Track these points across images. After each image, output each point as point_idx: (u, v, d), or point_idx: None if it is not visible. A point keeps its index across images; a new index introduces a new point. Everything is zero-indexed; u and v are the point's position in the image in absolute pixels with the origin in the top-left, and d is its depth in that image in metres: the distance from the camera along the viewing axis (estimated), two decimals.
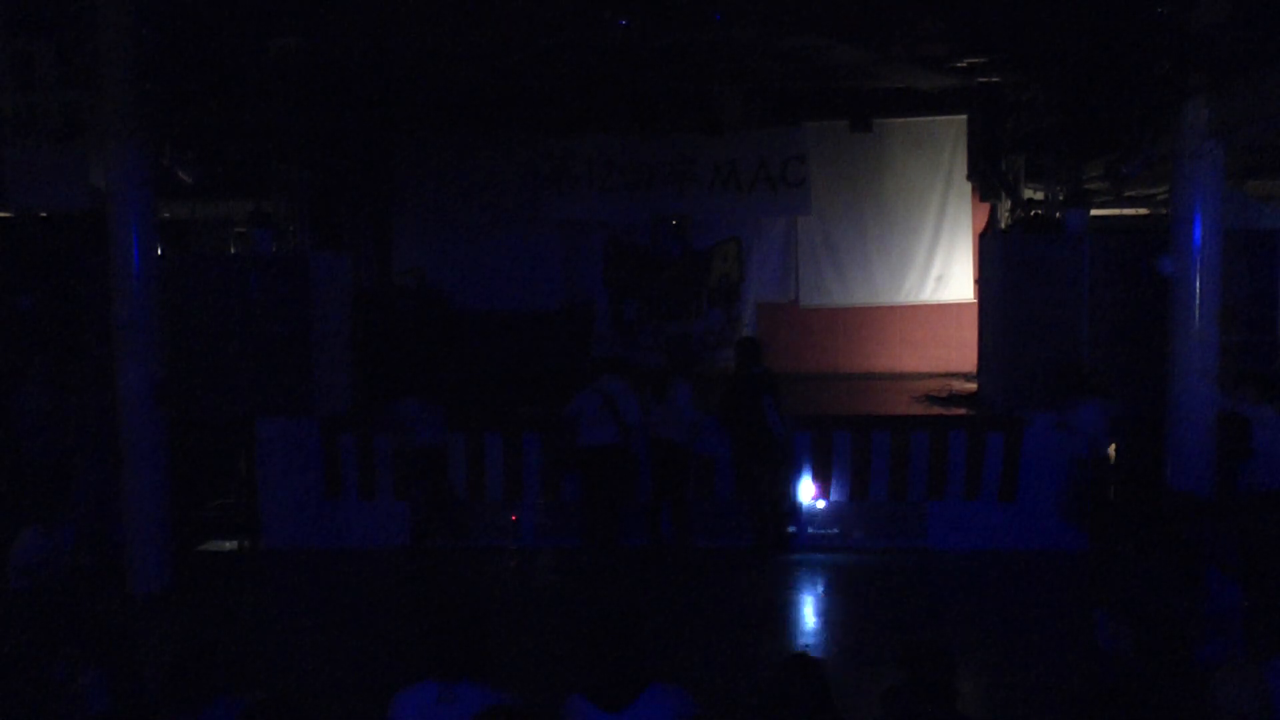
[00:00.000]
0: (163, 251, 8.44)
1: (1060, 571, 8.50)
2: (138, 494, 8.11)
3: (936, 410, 9.90)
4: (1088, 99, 9.38)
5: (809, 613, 8.30)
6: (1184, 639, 4.31)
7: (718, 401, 8.94)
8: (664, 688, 3.61)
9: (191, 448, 9.47)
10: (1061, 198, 10.15)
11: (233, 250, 11.71)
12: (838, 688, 3.56)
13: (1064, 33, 8.69)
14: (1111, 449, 9.83)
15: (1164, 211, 10.01)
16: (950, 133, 12.44)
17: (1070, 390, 8.53)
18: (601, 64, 10.48)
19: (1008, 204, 11.29)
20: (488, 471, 9.39)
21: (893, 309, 12.79)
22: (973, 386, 10.84)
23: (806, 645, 7.21)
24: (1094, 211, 10.25)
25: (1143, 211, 12.46)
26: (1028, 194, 11.17)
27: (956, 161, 12.41)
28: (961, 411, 9.77)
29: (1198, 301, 7.92)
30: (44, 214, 10.47)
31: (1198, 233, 7.87)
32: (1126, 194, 11.21)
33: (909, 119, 12.45)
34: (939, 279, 12.68)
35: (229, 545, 9.79)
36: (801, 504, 9.26)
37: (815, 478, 9.22)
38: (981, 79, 10.72)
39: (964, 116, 12.16)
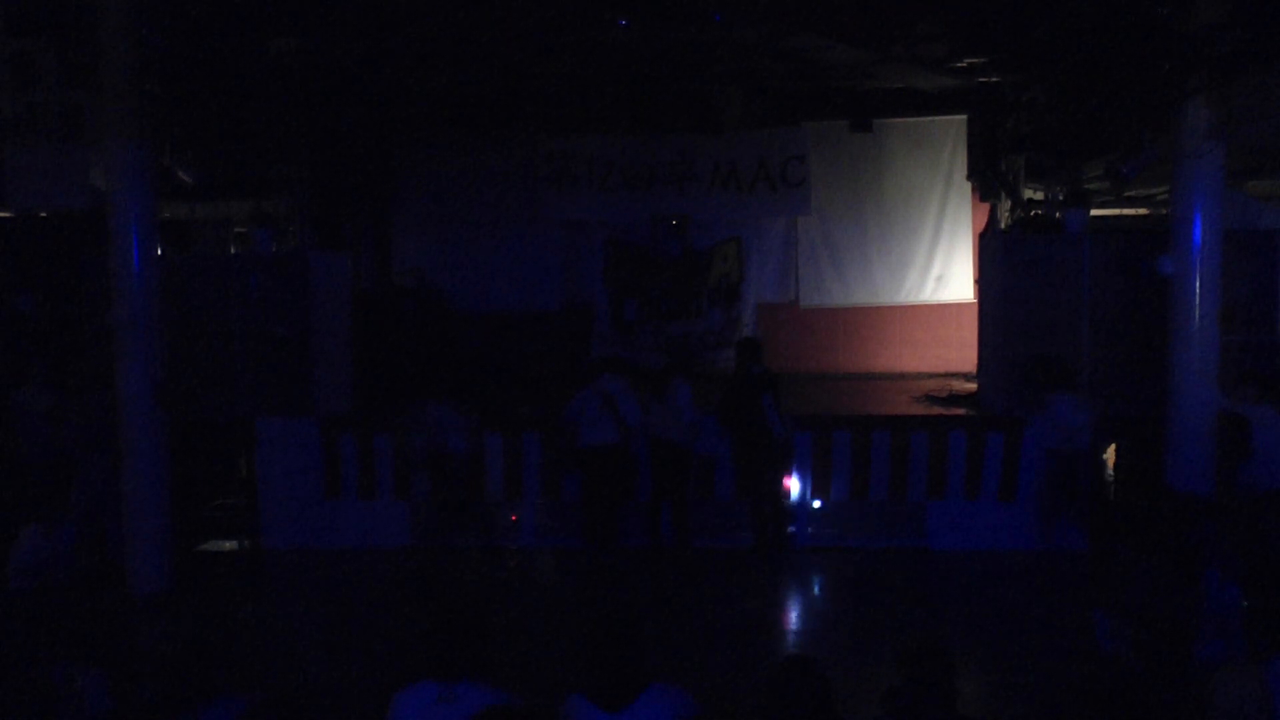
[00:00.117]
0: (163, 251, 8.44)
1: (1060, 571, 8.50)
2: (138, 494, 8.10)
3: (936, 410, 9.90)
4: (1088, 99, 9.38)
5: (809, 613, 8.30)
6: (1184, 639, 4.31)
7: (718, 401, 8.94)
8: (664, 688, 3.61)
9: (191, 448, 9.47)
10: (1061, 198, 10.15)
11: (233, 250, 11.70)
12: (838, 688, 3.56)
13: (1064, 33, 8.69)
14: (1111, 449, 9.84)
15: (1164, 211, 10.01)
16: (950, 133, 12.44)
17: (1046, 384, 8.55)
18: (601, 64, 10.48)
19: (1008, 204, 11.29)
20: (488, 471, 9.39)
21: (893, 309, 12.79)
22: (973, 386, 10.84)
23: (806, 645, 7.21)
24: (1094, 211, 10.25)
25: (1143, 211, 12.46)
26: (1028, 194, 11.17)
27: (956, 161, 12.41)
28: (961, 411, 9.77)
29: (1198, 301, 7.92)
30: (44, 214, 10.47)
31: (1198, 233, 7.87)
32: (1126, 194, 11.22)
33: (909, 119, 12.44)
34: (939, 279, 12.68)
35: (229, 545, 9.79)
36: (801, 504, 9.25)
37: (803, 474, 9.20)
38: (981, 79, 10.72)
39: (964, 116, 12.16)
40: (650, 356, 12.59)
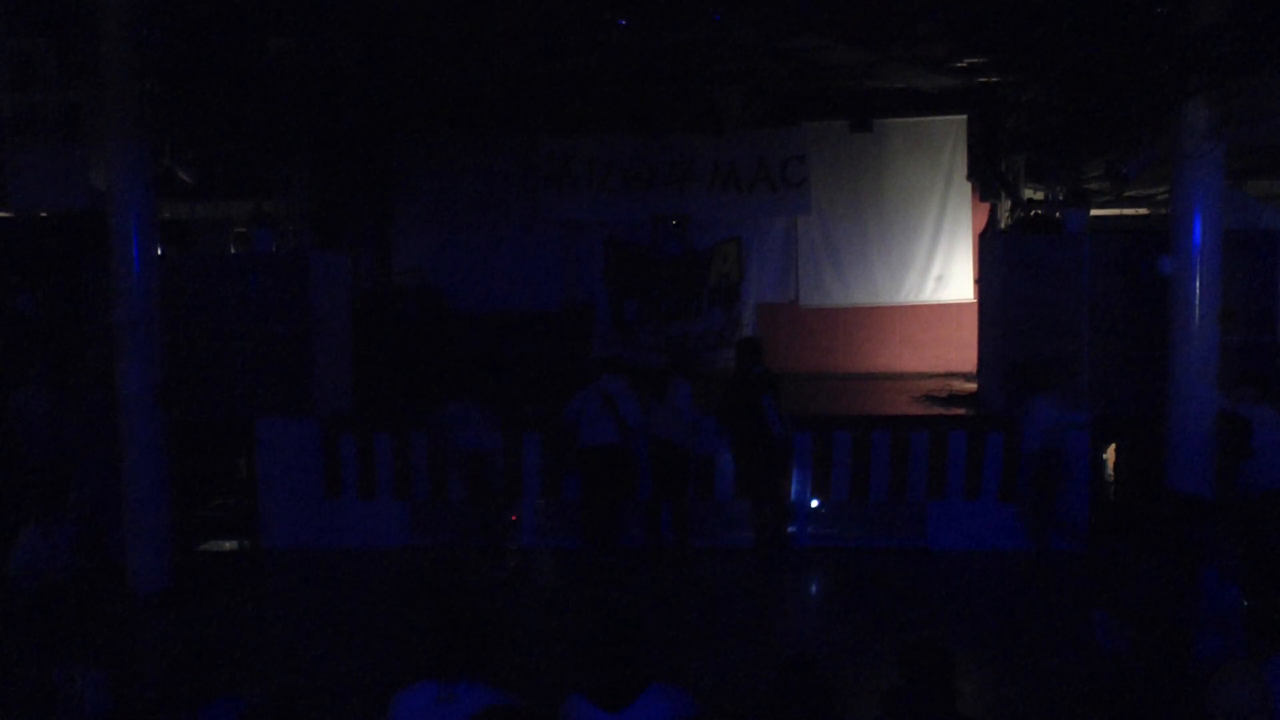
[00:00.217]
0: (163, 251, 8.44)
1: (1060, 571, 8.50)
2: (138, 494, 8.10)
3: (936, 410, 9.90)
4: (1088, 99, 9.38)
5: (809, 613, 8.30)
6: (1184, 639, 4.31)
7: (718, 401, 8.94)
8: (664, 688, 3.61)
9: (191, 448, 9.47)
10: (1061, 198, 10.15)
11: (233, 250, 11.71)
12: (838, 688, 3.56)
13: (1064, 33, 8.69)
14: (1111, 449, 9.85)
15: (1164, 211, 10.01)
16: (950, 133, 12.44)
17: (1026, 387, 8.55)
18: (601, 64, 10.48)
19: (1008, 204, 11.29)
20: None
21: (893, 309, 12.79)
22: (973, 386, 10.84)
23: (806, 645, 7.20)
24: (1094, 211, 10.25)
25: (1143, 211, 12.47)
26: (1028, 194, 11.17)
27: (956, 161, 12.41)
28: (961, 411, 9.77)
29: (1198, 301, 7.91)
30: (44, 214, 10.47)
31: (1198, 233, 7.86)
32: (1126, 194, 11.23)
33: (909, 119, 12.45)
34: (939, 279, 12.68)
35: (229, 545, 9.79)
36: (801, 504, 9.25)
37: (803, 474, 9.19)
38: (981, 79, 10.73)
39: (964, 116, 12.16)
40: (650, 356, 12.59)
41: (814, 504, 9.30)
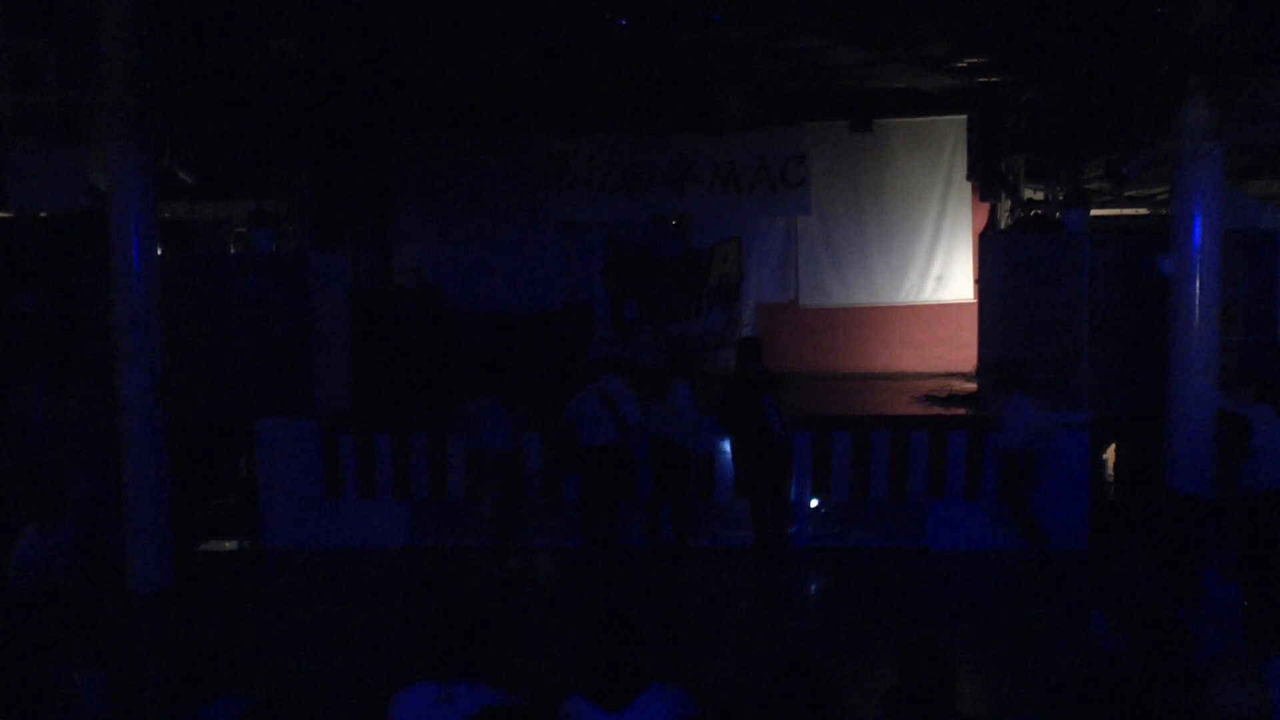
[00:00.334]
0: (163, 251, 8.44)
1: (1060, 571, 8.50)
2: (138, 494, 8.10)
3: (936, 410, 9.90)
4: (1088, 99, 9.38)
5: (809, 613, 8.30)
6: (1184, 639, 4.31)
7: (718, 401, 8.94)
8: (663, 688, 3.61)
9: (191, 448, 9.47)
10: (1061, 198, 10.16)
11: (233, 250, 11.71)
12: (838, 688, 3.56)
13: (1064, 33, 8.69)
14: (1111, 449, 9.85)
15: (1164, 211, 10.02)
16: (950, 133, 12.44)
17: (1001, 388, 8.54)
18: (601, 64, 10.49)
19: (1008, 204, 11.30)
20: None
21: (893, 309, 12.79)
22: (973, 386, 10.84)
23: (806, 645, 7.20)
24: (1094, 211, 10.26)
25: (1143, 211, 12.48)
26: (1028, 194, 11.18)
27: (956, 161, 12.41)
28: (961, 411, 9.77)
29: (1198, 301, 7.91)
30: (44, 214, 10.47)
31: (1198, 233, 7.86)
32: (1126, 194, 11.23)
33: (909, 119, 12.45)
34: (939, 279, 12.68)
35: (229, 545, 9.79)
36: (801, 504, 9.25)
37: (803, 474, 9.18)
38: (981, 79, 10.74)
39: (964, 116, 12.17)
40: (650, 356, 12.59)
41: (814, 504, 9.30)
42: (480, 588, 8.39)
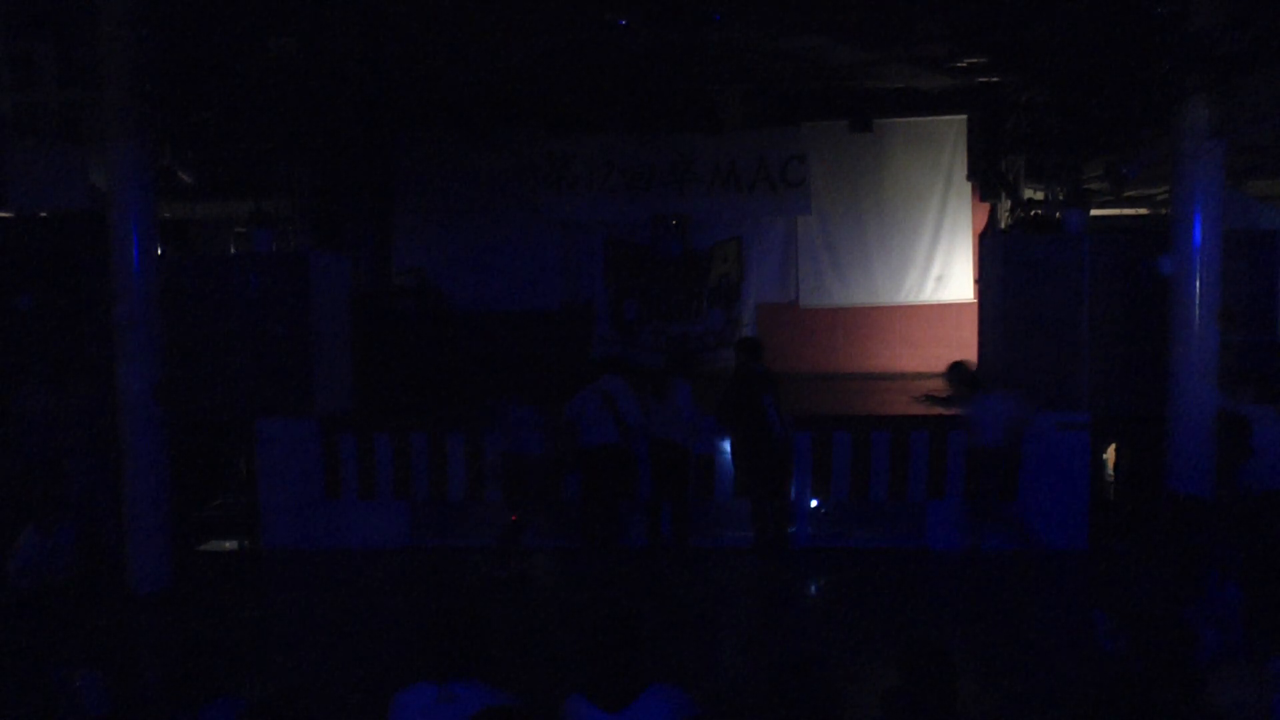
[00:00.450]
0: (163, 251, 8.44)
1: (1060, 571, 8.50)
2: (138, 494, 8.10)
3: (936, 410, 9.88)
4: (1088, 99, 9.38)
5: (808, 613, 8.29)
6: (1184, 639, 4.31)
7: (718, 401, 8.94)
8: (663, 688, 3.61)
9: (191, 448, 9.46)
10: (1061, 198, 10.15)
11: (233, 250, 11.71)
12: (838, 687, 3.56)
13: (1064, 33, 8.70)
14: (1111, 449, 9.84)
15: (1164, 211, 10.01)
16: (950, 133, 12.45)
17: (966, 388, 8.53)
18: (601, 64, 10.49)
19: (1008, 204, 11.29)
20: (487, 471, 9.38)
21: (893, 309, 12.80)
22: None
23: (806, 645, 7.20)
24: (1094, 211, 10.25)
25: (1143, 211, 12.47)
26: (1028, 194, 11.17)
27: (956, 161, 12.41)
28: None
29: (1198, 301, 7.91)
30: (44, 214, 10.47)
31: (1198, 233, 7.86)
32: (1126, 194, 11.22)
33: (909, 119, 12.45)
34: (939, 279, 12.68)
35: (229, 545, 9.79)
36: (801, 504, 9.25)
37: (803, 474, 9.16)
38: (981, 79, 10.73)
39: (964, 116, 12.17)
40: (650, 356, 12.60)
41: (814, 504, 9.30)
42: (480, 587, 8.39)
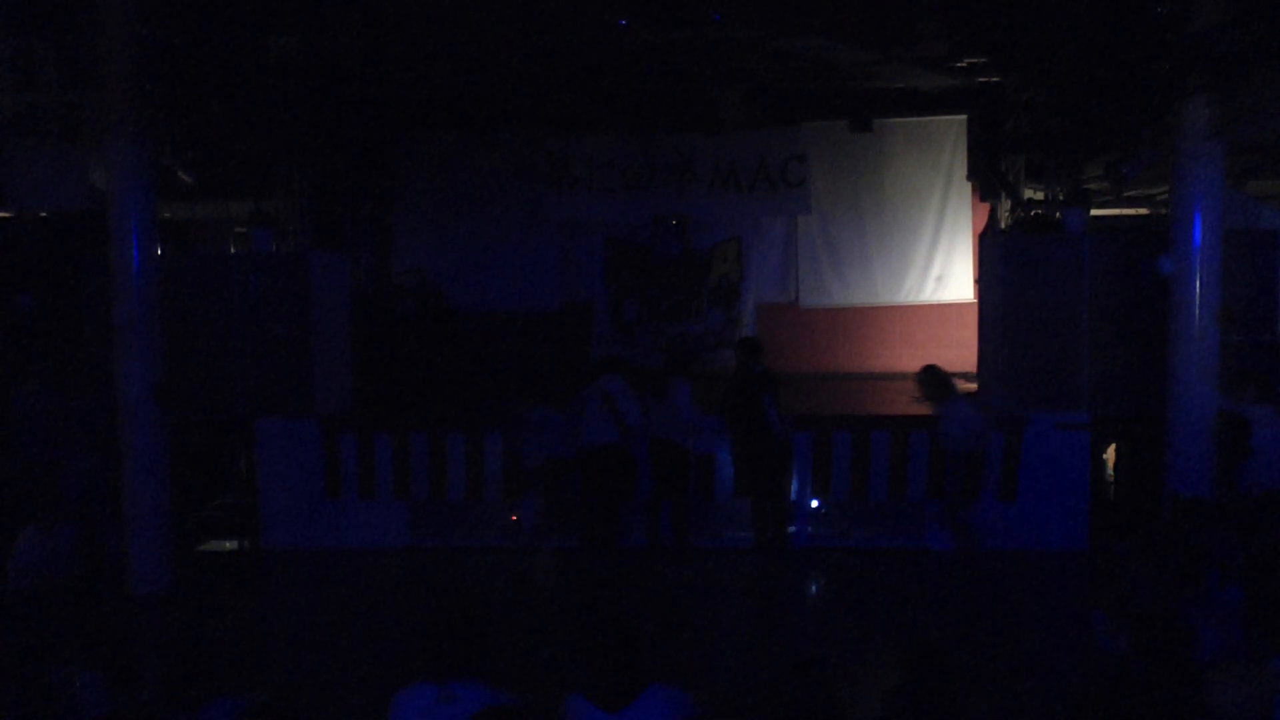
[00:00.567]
0: (163, 251, 8.44)
1: (1060, 571, 8.50)
2: (138, 494, 8.10)
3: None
4: (1088, 99, 9.38)
5: (809, 613, 8.29)
6: (1184, 639, 4.30)
7: (718, 401, 8.94)
8: (663, 688, 3.61)
9: (191, 448, 9.46)
10: (1061, 198, 10.15)
11: (233, 250, 11.70)
12: (838, 688, 3.56)
13: (1064, 33, 8.69)
14: (1111, 449, 9.84)
15: (1164, 211, 10.01)
16: (950, 133, 12.44)
17: (940, 394, 8.52)
18: (601, 64, 10.49)
19: (1008, 204, 11.29)
20: (487, 471, 9.38)
21: (893, 309, 12.79)
22: (973, 386, 10.82)
23: (806, 645, 7.20)
24: (1094, 211, 10.24)
25: (1143, 211, 12.46)
26: (1028, 194, 11.17)
27: (956, 161, 12.41)
28: None
29: (1198, 301, 7.91)
30: (44, 214, 10.47)
31: (1198, 233, 7.86)
32: (1126, 194, 11.21)
33: (909, 119, 12.45)
34: (939, 279, 12.68)
35: (229, 545, 9.78)
36: (801, 504, 9.25)
37: (803, 474, 9.16)
38: (981, 79, 10.73)
39: (964, 116, 12.16)
40: (650, 356, 12.60)
41: (814, 504, 9.30)
42: (480, 588, 8.39)
